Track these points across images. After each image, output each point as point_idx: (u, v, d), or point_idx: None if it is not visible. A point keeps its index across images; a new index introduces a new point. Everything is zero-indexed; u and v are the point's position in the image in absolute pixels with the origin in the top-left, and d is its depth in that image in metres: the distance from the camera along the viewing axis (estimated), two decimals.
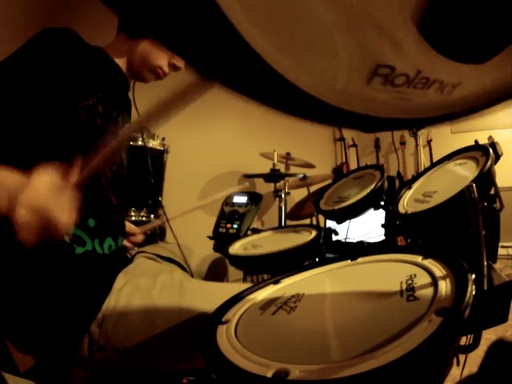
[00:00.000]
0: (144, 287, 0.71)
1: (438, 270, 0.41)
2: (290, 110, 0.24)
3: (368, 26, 0.20)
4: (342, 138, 3.99)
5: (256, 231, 1.09)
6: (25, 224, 0.52)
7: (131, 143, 1.58)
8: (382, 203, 0.91)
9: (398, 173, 3.55)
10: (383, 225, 1.03)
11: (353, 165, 3.92)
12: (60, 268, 0.70)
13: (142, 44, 0.91)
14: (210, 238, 1.92)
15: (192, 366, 0.68)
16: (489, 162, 0.62)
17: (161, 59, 0.91)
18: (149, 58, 0.91)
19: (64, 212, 0.53)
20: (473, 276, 0.36)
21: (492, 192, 0.65)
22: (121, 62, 0.92)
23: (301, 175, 2.32)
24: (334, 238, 0.97)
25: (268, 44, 0.19)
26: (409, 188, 0.83)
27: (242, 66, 0.20)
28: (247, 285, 0.84)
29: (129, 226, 1.03)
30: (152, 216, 1.86)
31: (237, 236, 1.67)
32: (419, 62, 0.24)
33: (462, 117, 0.29)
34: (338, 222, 0.96)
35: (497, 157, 0.66)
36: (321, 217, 1.05)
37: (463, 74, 0.25)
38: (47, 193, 0.53)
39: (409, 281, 0.41)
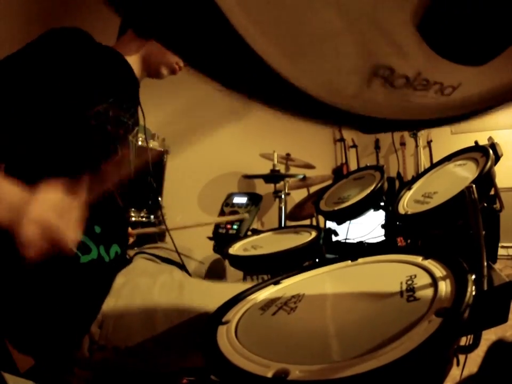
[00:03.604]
0: (144, 287, 0.71)
1: (438, 271, 0.41)
2: (290, 110, 0.24)
3: (368, 28, 0.20)
4: (342, 139, 3.98)
5: (256, 231, 1.09)
6: (32, 241, 0.52)
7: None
8: (382, 204, 0.91)
9: (398, 173, 3.54)
10: (383, 226, 1.03)
11: (353, 166, 3.91)
12: (64, 277, 0.69)
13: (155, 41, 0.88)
14: (210, 238, 1.92)
15: (193, 366, 0.68)
16: (489, 163, 0.62)
17: None
18: (166, 55, 0.90)
19: (70, 229, 0.55)
20: (473, 276, 0.36)
21: (492, 192, 0.65)
22: (131, 60, 0.89)
23: (301, 176, 2.32)
24: (334, 238, 0.97)
25: (269, 46, 0.19)
26: (409, 188, 0.83)
27: (243, 67, 0.20)
28: (247, 284, 0.84)
29: None
30: (152, 216, 1.86)
31: (236, 237, 1.67)
32: (419, 63, 0.24)
33: (463, 120, 0.29)
34: (338, 223, 0.96)
35: (497, 157, 0.66)
36: (321, 218, 1.05)
37: (463, 76, 0.26)
38: (53, 210, 0.54)
39: (409, 282, 0.41)
